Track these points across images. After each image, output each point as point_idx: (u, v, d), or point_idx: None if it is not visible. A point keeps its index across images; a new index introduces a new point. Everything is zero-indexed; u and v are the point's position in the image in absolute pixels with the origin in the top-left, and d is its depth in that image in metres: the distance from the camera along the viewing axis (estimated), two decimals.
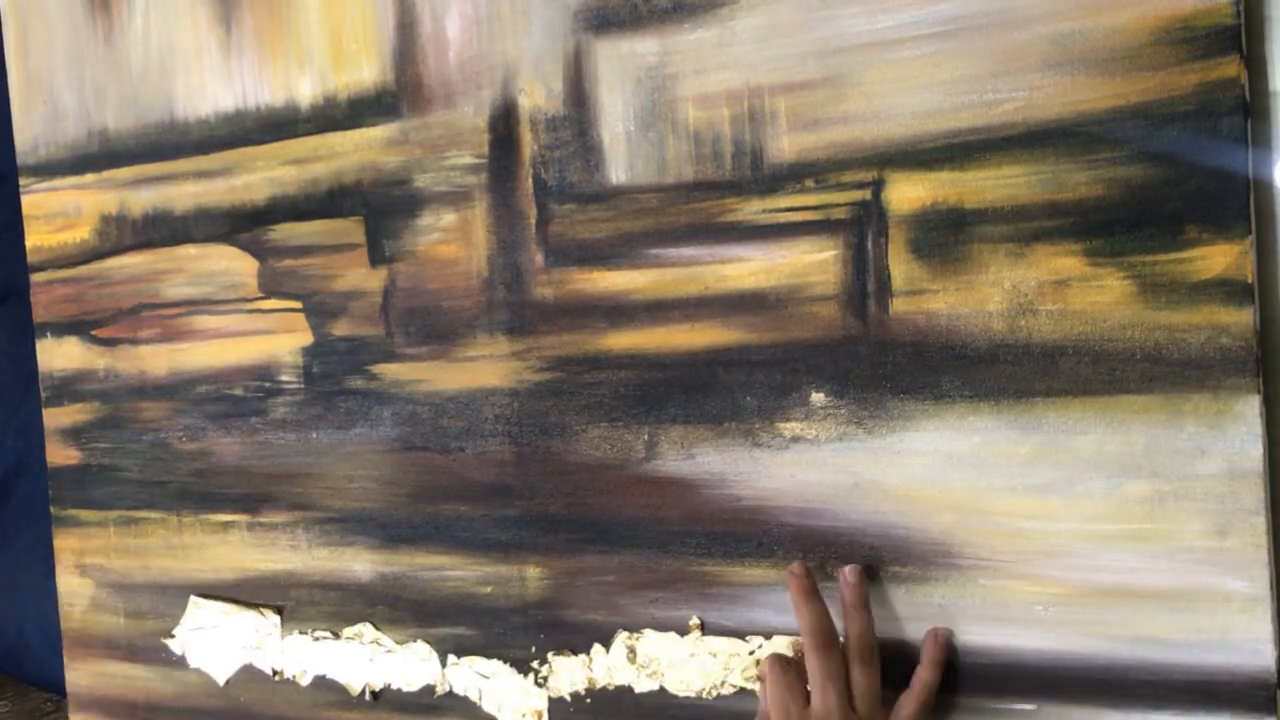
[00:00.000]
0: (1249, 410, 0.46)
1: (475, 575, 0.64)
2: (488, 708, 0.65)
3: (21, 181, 0.79)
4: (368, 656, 0.68)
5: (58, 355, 0.79)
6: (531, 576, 0.63)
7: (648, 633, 0.60)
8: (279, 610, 0.71)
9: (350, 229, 0.67)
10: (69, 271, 0.78)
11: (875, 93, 0.52)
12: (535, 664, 0.63)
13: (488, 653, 0.64)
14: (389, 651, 0.68)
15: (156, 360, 0.74)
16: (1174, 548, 0.48)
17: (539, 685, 0.63)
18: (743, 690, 0.57)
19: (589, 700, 0.62)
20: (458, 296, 0.63)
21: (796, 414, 0.55)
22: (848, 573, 0.52)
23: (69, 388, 0.79)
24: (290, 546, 0.71)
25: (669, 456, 0.58)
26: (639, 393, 0.59)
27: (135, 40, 0.74)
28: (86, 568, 0.79)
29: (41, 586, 0.88)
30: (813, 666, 0.50)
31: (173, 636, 0.75)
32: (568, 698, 0.62)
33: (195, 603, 0.73)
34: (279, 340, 0.70)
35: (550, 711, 0.63)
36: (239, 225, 0.70)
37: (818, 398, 0.55)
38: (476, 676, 0.65)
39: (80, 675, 0.80)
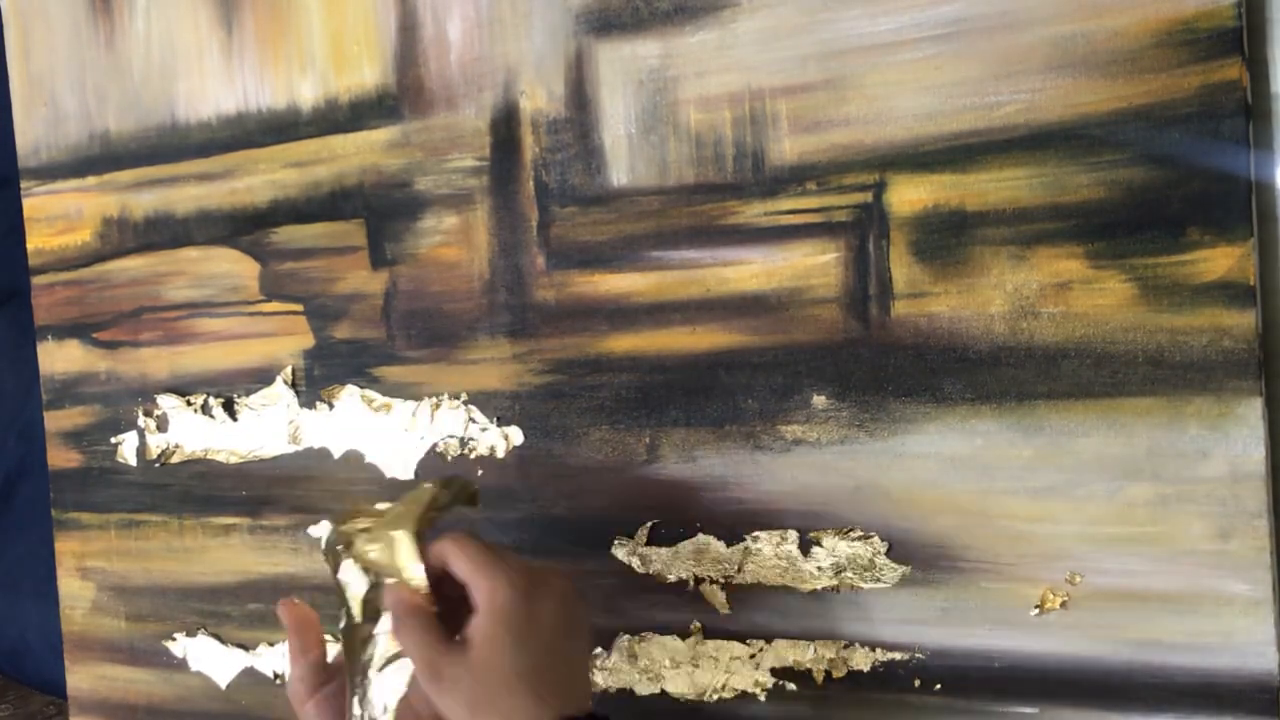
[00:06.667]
0: (1251, 413, 0.46)
1: None
2: None
3: (23, 184, 0.79)
4: None
5: (59, 358, 0.79)
6: None
7: (649, 635, 0.60)
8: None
9: (351, 231, 0.67)
10: (70, 274, 0.78)
11: (876, 95, 0.52)
12: None
13: None
14: None
15: (158, 363, 0.74)
16: (1176, 550, 0.48)
17: None
18: (744, 694, 0.57)
19: None
20: (459, 299, 0.63)
21: (798, 416, 0.55)
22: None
23: (70, 390, 0.78)
24: (291, 550, 0.70)
25: (670, 459, 0.58)
26: (640, 395, 0.59)
27: (137, 43, 0.74)
28: (88, 571, 0.79)
29: (43, 589, 0.88)
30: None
31: (174, 640, 0.75)
32: None
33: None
34: (280, 343, 0.70)
35: None
36: (240, 228, 0.70)
37: (819, 400, 0.55)
38: None
39: (81, 678, 0.80)
